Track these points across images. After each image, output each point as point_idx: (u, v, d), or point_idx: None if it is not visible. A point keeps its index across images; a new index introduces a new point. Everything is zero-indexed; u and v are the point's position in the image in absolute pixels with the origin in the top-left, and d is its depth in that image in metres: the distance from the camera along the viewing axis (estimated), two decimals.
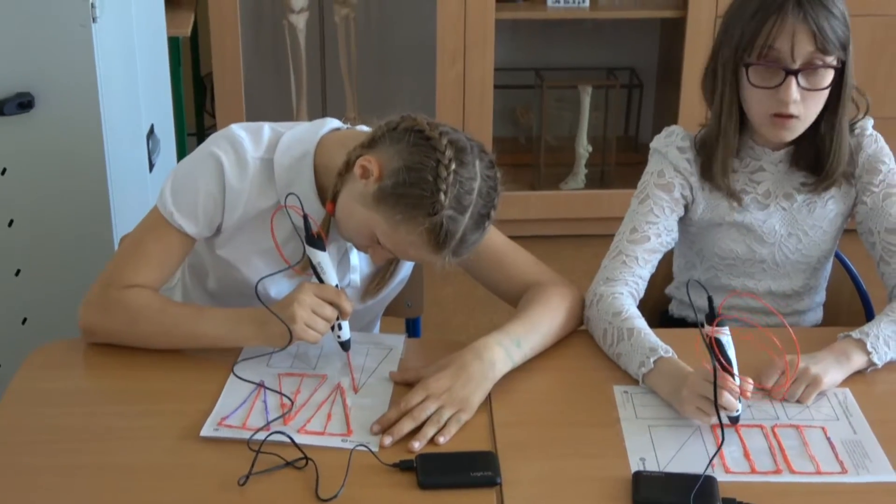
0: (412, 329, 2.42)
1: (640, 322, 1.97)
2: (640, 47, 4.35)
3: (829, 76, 1.99)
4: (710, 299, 1.77)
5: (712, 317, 1.76)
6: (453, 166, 1.77)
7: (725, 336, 1.76)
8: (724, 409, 1.75)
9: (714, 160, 2.11)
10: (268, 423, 1.77)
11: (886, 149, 2.16)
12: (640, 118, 4.36)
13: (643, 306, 2.06)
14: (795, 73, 1.97)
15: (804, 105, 2.00)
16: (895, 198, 2.12)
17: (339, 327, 1.91)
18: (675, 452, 1.74)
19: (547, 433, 1.80)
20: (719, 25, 2.09)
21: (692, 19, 3.86)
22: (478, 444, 1.76)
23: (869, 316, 2.32)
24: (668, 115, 4.10)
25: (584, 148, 4.14)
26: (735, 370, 1.77)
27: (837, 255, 2.33)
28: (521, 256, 2.08)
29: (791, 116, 2.01)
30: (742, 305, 2.18)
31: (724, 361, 1.76)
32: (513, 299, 2.06)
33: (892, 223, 2.11)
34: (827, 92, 2.02)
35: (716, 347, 1.75)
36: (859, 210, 2.15)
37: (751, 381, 1.80)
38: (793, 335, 1.83)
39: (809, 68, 1.98)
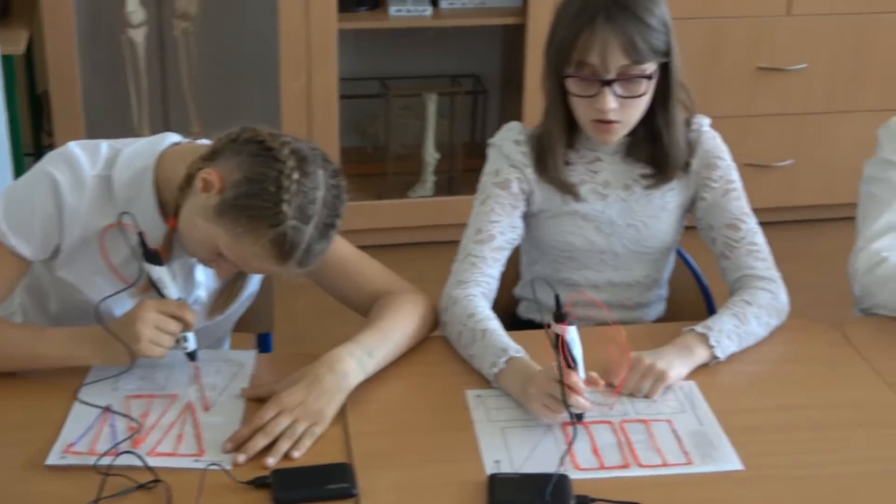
0: (263, 344, 2.40)
1: (493, 323, 1.99)
2: (483, 54, 4.40)
3: (645, 84, 2.05)
4: (556, 297, 1.80)
5: (559, 315, 1.79)
6: (296, 176, 1.76)
7: (571, 334, 1.79)
8: (572, 406, 1.77)
9: (546, 160, 2.14)
10: (116, 447, 1.74)
11: (723, 146, 2.22)
12: (485, 124, 4.41)
13: (493, 309, 2.08)
14: (610, 83, 2.02)
15: (624, 110, 2.06)
16: (733, 193, 2.20)
17: (185, 339, 1.88)
18: (529, 453, 1.76)
19: (402, 441, 1.80)
20: (549, 30, 2.13)
21: (532, 26, 3.92)
22: (333, 456, 1.75)
23: (711, 310, 2.38)
24: (512, 120, 4.13)
25: (431, 155, 4.16)
26: (581, 368, 1.80)
27: (678, 251, 2.40)
28: (370, 266, 2.08)
29: (612, 122, 2.06)
30: (586, 302, 2.22)
31: (569, 359, 1.79)
32: (364, 309, 2.05)
33: (731, 219, 2.18)
34: (647, 97, 2.07)
35: (562, 345, 1.78)
36: (699, 206, 2.21)
37: (595, 374, 1.83)
38: (623, 333, 1.88)
39: (624, 78, 2.03)
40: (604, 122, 2.07)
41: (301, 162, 1.78)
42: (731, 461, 1.76)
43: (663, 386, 1.92)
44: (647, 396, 1.92)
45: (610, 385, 1.90)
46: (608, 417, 1.86)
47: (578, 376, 1.79)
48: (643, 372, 1.92)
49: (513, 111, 4.15)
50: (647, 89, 2.06)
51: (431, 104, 4.12)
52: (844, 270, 2.25)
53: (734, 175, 2.21)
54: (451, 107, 4.22)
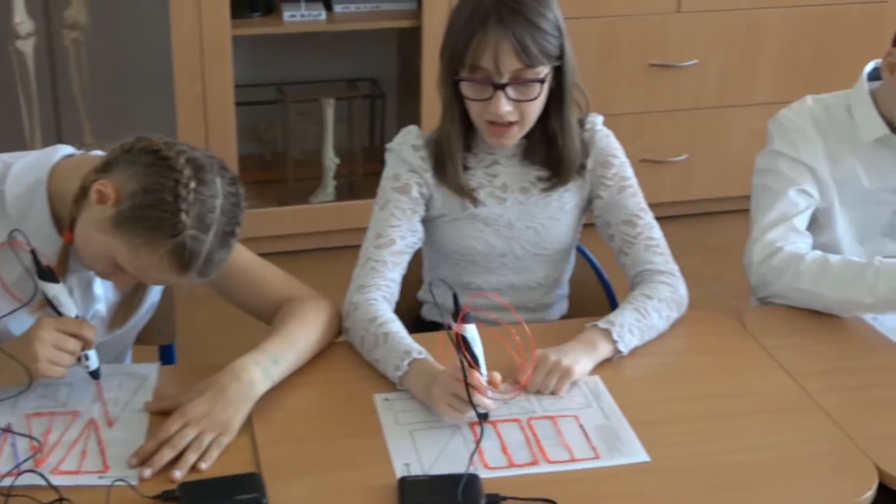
0: (166, 356, 2.37)
1: (395, 326, 1.99)
2: (380, 57, 4.40)
3: (538, 88, 2.06)
4: (455, 296, 1.81)
5: (457, 314, 1.80)
6: (193, 185, 1.74)
7: (471, 333, 1.80)
8: (476, 405, 1.78)
9: (445, 164, 2.15)
10: (17, 467, 1.70)
11: (616, 143, 2.25)
12: (384, 127, 4.40)
13: (398, 312, 2.08)
14: (504, 87, 2.03)
15: (519, 112, 2.07)
16: (629, 190, 2.23)
17: (86, 357, 1.84)
18: (438, 454, 1.77)
19: (311, 448, 1.79)
20: (444, 32, 2.14)
21: (427, 28, 3.93)
22: (242, 466, 1.74)
23: (613, 305, 2.41)
24: (410, 123, 4.14)
25: (331, 160, 4.15)
26: (482, 366, 1.81)
27: (579, 248, 2.42)
28: (272, 273, 2.07)
29: (507, 125, 2.08)
30: (488, 304, 2.23)
31: (470, 358, 1.79)
32: (267, 317, 2.04)
33: (628, 215, 2.21)
34: (541, 100, 2.09)
35: (462, 345, 1.79)
36: (596, 204, 2.24)
37: (498, 374, 1.83)
38: (528, 331, 1.89)
39: (518, 82, 2.04)
40: (499, 125, 2.08)
41: (198, 171, 1.76)
42: (637, 454, 1.79)
43: (569, 382, 1.94)
44: (553, 393, 1.93)
45: (516, 383, 1.92)
46: (515, 416, 1.87)
47: (481, 375, 1.80)
48: (549, 369, 1.94)
49: (411, 114, 4.15)
50: (541, 93, 2.07)
51: (329, 109, 4.10)
52: (741, 262, 2.30)
53: (629, 172, 2.24)
54: (349, 111, 4.21)
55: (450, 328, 1.80)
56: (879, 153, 2.30)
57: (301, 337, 1.96)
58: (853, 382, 2.00)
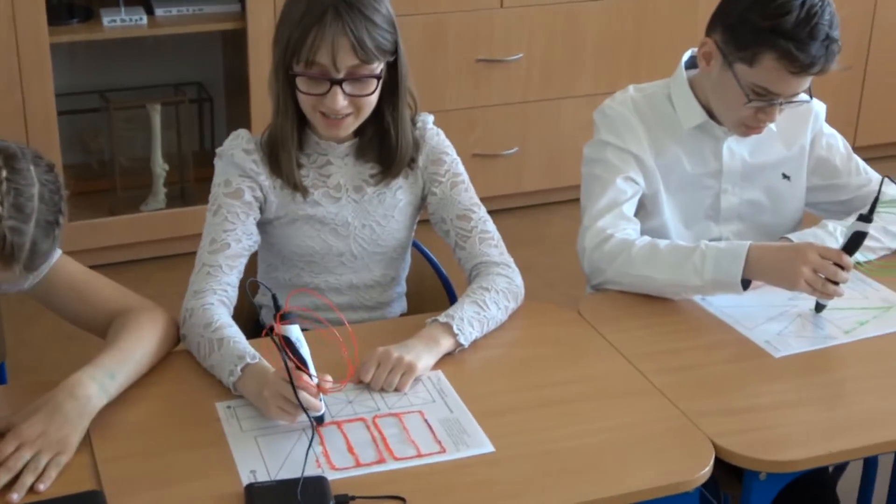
0: None
1: (231, 330, 1.97)
2: (206, 61, 4.33)
3: (374, 83, 2.08)
4: (273, 297, 1.79)
5: (277, 315, 1.77)
6: (4, 174, 1.68)
7: (294, 334, 1.79)
8: (306, 407, 1.77)
9: (280, 158, 2.14)
10: None
11: (447, 141, 2.28)
12: (213, 131, 4.34)
13: (237, 318, 2.05)
14: (340, 82, 2.04)
15: (355, 106, 2.08)
16: (461, 186, 2.25)
17: None
18: (284, 459, 1.75)
19: (153, 462, 1.75)
20: (276, 27, 2.13)
21: (252, 29, 3.89)
22: (82, 484, 1.69)
23: (452, 300, 2.43)
24: (240, 126, 4.06)
25: (160, 167, 4.07)
26: (311, 367, 1.80)
27: (416, 245, 2.43)
28: (103, 285, 2.02)
29: (342, 117, 2.09)
30: (325, 304, 2.22)
31: (297, 360, 1.78)
32: (100, 330, 1.99)
33: (462, 210, 2.24)
34: (376, 94, 2.10)
35: (286, 346, 1.78)
36: (430, 201, 2.26)
37: (329, 377, 1.83)
38: (350, 331, 1.88)
39: (354, 77, 2.05)
40: (334, 118, 2.09)
41: (9, 159, 1.70)
42: (482, 445, 1.81)
43: (412, 378, 1.95)
44: (397, 390, 1.94)
45: (361, 383, 1.93)
46: (360, 415, 1.87)
47: (308, 376, 1.79)
48: (391, 366, 1.94)
49: (240, 117, 4.11)
50: (377, 88, 2.08)
51: (155, 115, 4.02)
52: (575, 251, 2.34)
53: (460, 168, 2.27)
54: (176, 116, 4.14)
55: (271, 329, 1.79)
56: (700, 139, 2.38)
57: (137, 349, 1.92)
58: (687, 362, 2.06)
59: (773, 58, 2.18)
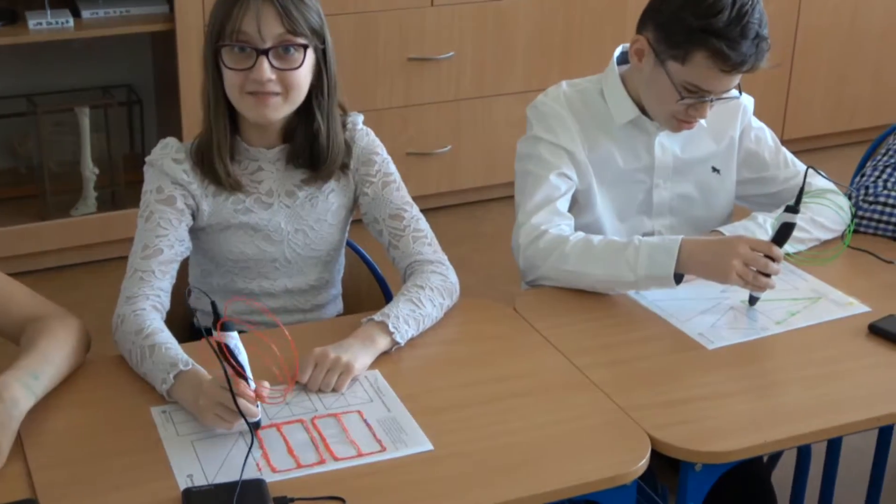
0: None
1: (163, 336, 1.95)
2: (135, 63, 4.29)
3: (301, 57, 2.07)
4: (213, 304, 1.78)
5: (217, 322, 1.76)
6: None
7: (233, 341, 1.77)
8: (245, 414, 1.76)
9: (213, 160, 2.12)
10: None
11: (377, 140, 2.28)
12: (144, 134, 4.30)
13: (171, 322, 2.04)
14: (266, 52, 2.03)
15: (282, 83, 2.07)
16: (393, 185, 2.25)
17: None
18: (222, 463, 1.74)
19: (90, 469, 1.73)
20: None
21: (181, 30, 3.85)
22: (16, 493, 1.67)
23: (388, 299, 2.43)
24: (171, 128, 4.07)
25: (90, 171, 4.02)
26: (248, 373, 1.79)
27: (351, 245, 2.43)
28: (17, 291, 2.00)
29: (269, 94, 2.06)
30: (260, 309, 2.21)
31: (235, 366, 1.77)
32: (14, 337, 1.96)
33: (394, 209, 2.24)
34: (305, 74, 2.09)
35: (226, 352, 1.76)
36: (362, 202, 2.25)
37: (267, 384, 1.82)
38: (288, 336, 1.87)
39: (281, 45, 2.05)
40: (261, 95, 2.07)
41: None
42: (421, 443, 1.81)
43: (350, 378, 1.94)
44: (335, 390, 1.93)
45: (297, 383, 1.92)
46: (299, 416, 1.86)
47: (246, 383, 1.78)
48: (329, 366, 1.94)
49: (170, 119, 4.07)
50: (304, 62, 2.07)
51: (84, 118, 3.97)
52: (510, 247, 2.35)
53: (391, 167, 2.27)
54: (105, 119, 4.09)
55: (210, 334, 1.77)
56: (632, 134, 2.40)
57: (55, 353, 1.90)
58: (622, 355, 2.08)
59: (705, 56, 2.21)
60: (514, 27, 4.36)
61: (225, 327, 1.76)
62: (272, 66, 2.04)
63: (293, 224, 2.21)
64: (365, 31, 4.14)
